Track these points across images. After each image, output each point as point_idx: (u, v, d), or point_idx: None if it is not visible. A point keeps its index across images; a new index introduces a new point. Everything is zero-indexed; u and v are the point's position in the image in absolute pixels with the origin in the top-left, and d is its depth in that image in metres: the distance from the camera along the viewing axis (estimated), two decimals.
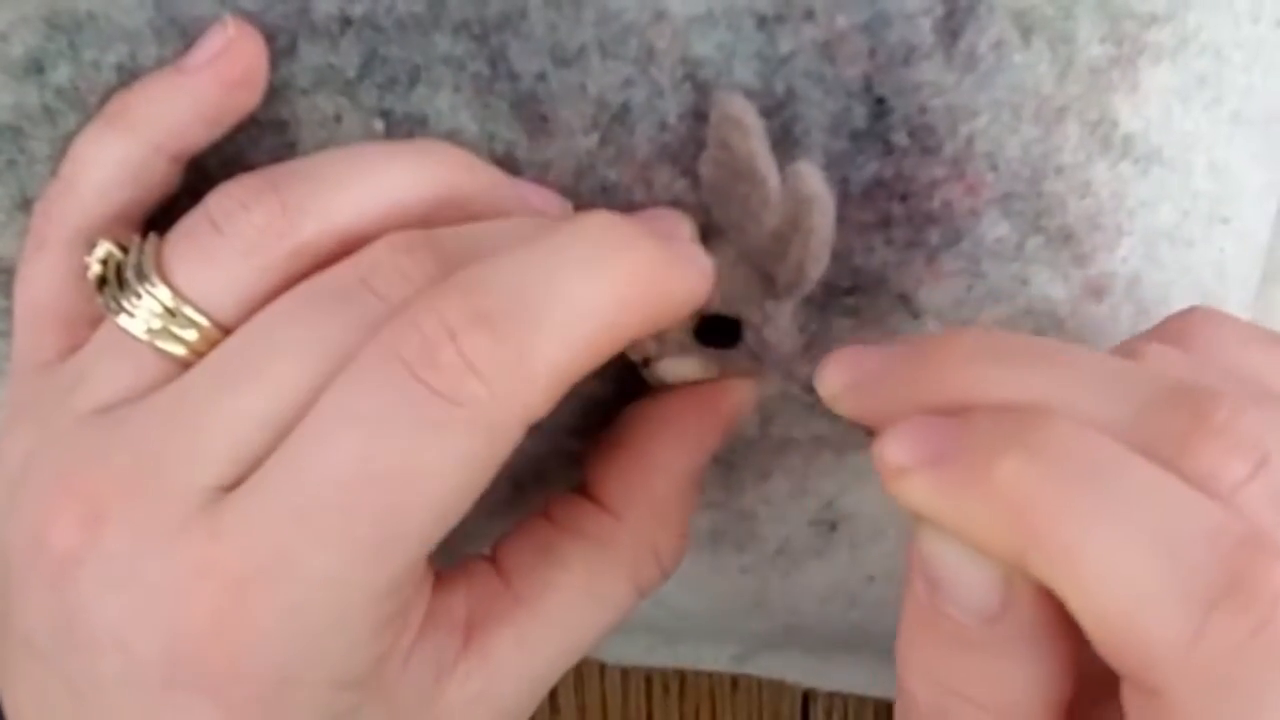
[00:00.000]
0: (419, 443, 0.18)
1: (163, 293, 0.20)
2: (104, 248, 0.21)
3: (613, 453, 0.23)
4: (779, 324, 0.23)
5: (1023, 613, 0.17)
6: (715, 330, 0.23)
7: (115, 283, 0.21)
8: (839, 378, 0.20)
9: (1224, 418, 0.17)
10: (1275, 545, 0.16)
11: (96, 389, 0.20)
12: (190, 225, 0.21)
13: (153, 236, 0.21)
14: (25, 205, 0.24)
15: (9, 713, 0.21)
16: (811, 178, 0.21)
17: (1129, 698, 0.17)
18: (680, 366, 0.23)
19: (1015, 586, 0.17)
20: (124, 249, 0.21)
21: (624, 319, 0.20)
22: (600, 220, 0.20)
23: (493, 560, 0.23)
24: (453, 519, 0.19)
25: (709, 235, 0.23)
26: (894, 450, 0.18)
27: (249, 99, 0.22)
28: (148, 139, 0.22)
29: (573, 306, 0.19)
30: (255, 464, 0.19)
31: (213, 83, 0.22)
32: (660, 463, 0.23)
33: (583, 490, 0.24)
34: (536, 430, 0.25)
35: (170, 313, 0.20)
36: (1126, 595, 0.16)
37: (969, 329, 0.19)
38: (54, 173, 0.23)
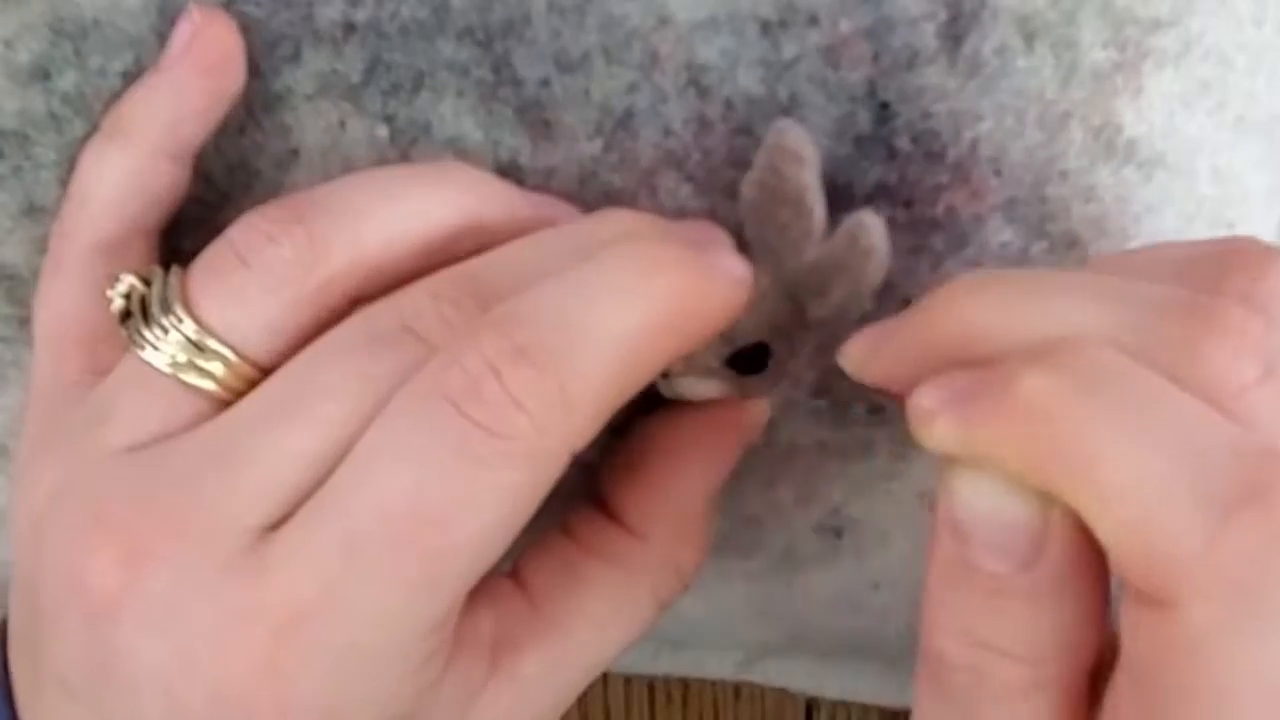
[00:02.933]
0: (466, 477, 0.18)
1: (188, 326, 0.20)
2: (127, 281, 0.21)
3: (633, 473, 0.23)
4: (803, 356, 0.23)
5: (1056, 557, 0.17)
6: (741, 353, 0.23)
7: (140, 315, 0.20)
8: (860, 349, 0.21)
9: (1234, 322, 0.17)
10: None
11: (126, 426, 0.20)
12: (215, 258, 0.21)
13: (175, 269, 0.21)
14: (31, 211, 0.24)
15: None
16: (875, 230, 0.21)
17: (1134, 620, 0.16)
18: (701, 386, 0.23)
19: (1050, 528, 0.17)
20: (146, 282, 0.21)
21: (662, 343, 0.20)
22: (636, 243, 0.20)
23: (515, 578, 0.23)
24: (499, 552, 0.19)
25: (749, 251, 0.23)
26: (923, 398, 0.18)
27: (232, 81, 0.22)
28: (145, 144, 0.22)
29: (611, 335, 0.19)
30: (298, 503, 0.19)
31: (190, 71, 0.22)
32: (681, 483, 0.23)
33: (602, 508, 0.24)
34: None
35: (196, 346, 0.20)
36: (1146, 500, 0.16)
37: (961, 278, 0.19)
38: (60, 179, 0.23)
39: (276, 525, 0.19)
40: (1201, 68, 0.23)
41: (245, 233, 0.21)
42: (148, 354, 0.20)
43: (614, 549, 0.23)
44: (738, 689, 0.34)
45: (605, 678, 0.35)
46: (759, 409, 0.24)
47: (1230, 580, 0.15)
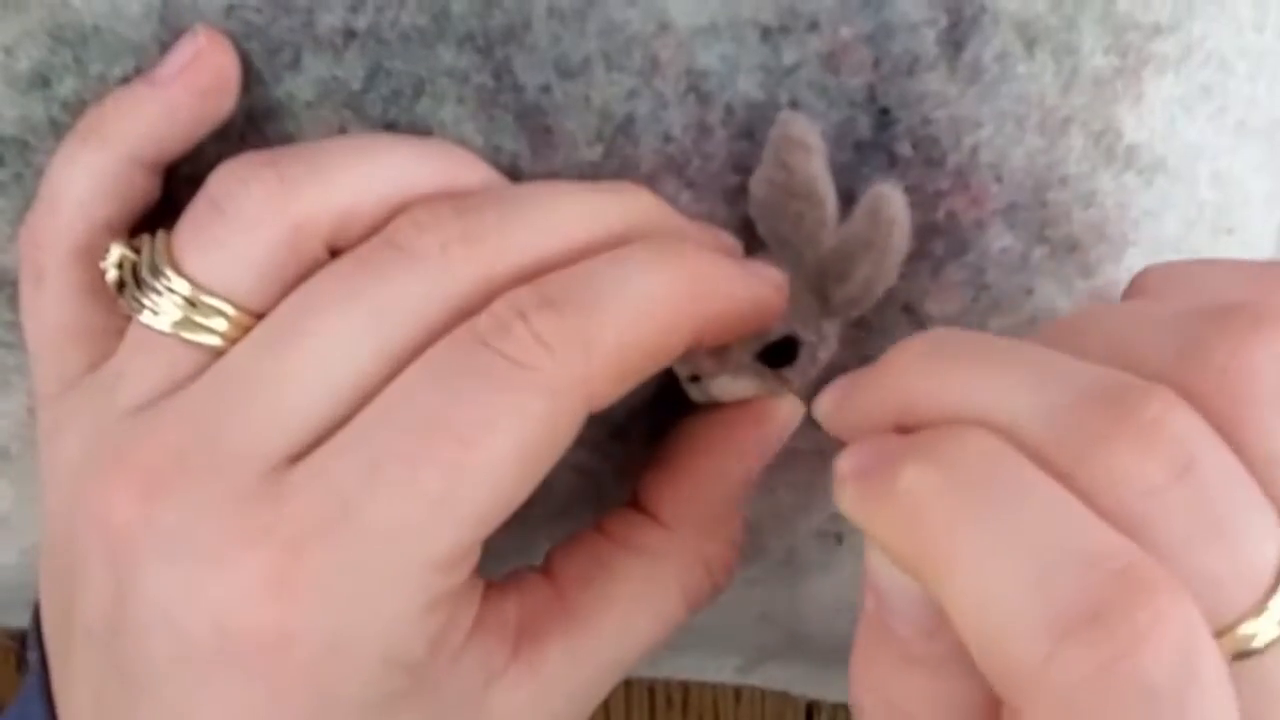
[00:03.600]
0: (488, 398, 0.19)
1: (179, 284, 0.20)
2: (117, 251, 0.21)
3: (665, 466, 0.24)
4: (832, 343, 0.23)
5: (950, 628, 0.17)
6: (770, 348, 0.23)
7: (133, 283, 0.21)
8: (828, 401, 0.21)
9: (1151, 416, 0.16)
10: (1158, 576, 0.15)
11: (136, 385, 0.21)
12: (194, 212, 0.21)
13: (161, 232, 0.21)
14: None
15: (63, 713, 0.21)
16: (895, 200, 0.21)
17: (1005, 717, 0.16)
18: (734, 385, 0.23)
19: None
20: (136, 250, 0.21)
21: (686, 316, 0.20)
22: (667, 237, 0.21)
23: (546, 571, 0.23)
24: (511, 498, 0.19)
25: (755, 253, 0.23)
26: (840, 462, 0.19)
27: (222, 106, 0.22)
28: (123, 151, 0.22)
29: (636, 297, 0.20)
30: (317, 430, 0.19)
31: (184, 92, 0.22)
32: (712, 477, 0.23)
33: (634, 504, 0.24)
34: None
35: (190, 302, 0.20)
36: (993, 615, 0.16)
37: (918, 337, 0.20)
38: None
39: (299, 458, 0.19)
40: (1202, 73, 0.23)
41: (221, 180, 0.21)
42: (147, 318, 0.21)
43: (642, 540, 0.23)
44: (738, 692, 0.34)
45: None
46: (791, 405, 0.24)
47: (1061, 702, 0.15)
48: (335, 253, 0.21)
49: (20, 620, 0.25)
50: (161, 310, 0.20)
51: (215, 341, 0.20)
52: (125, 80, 0.22)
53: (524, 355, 0.19)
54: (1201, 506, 0.16)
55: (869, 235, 0.22)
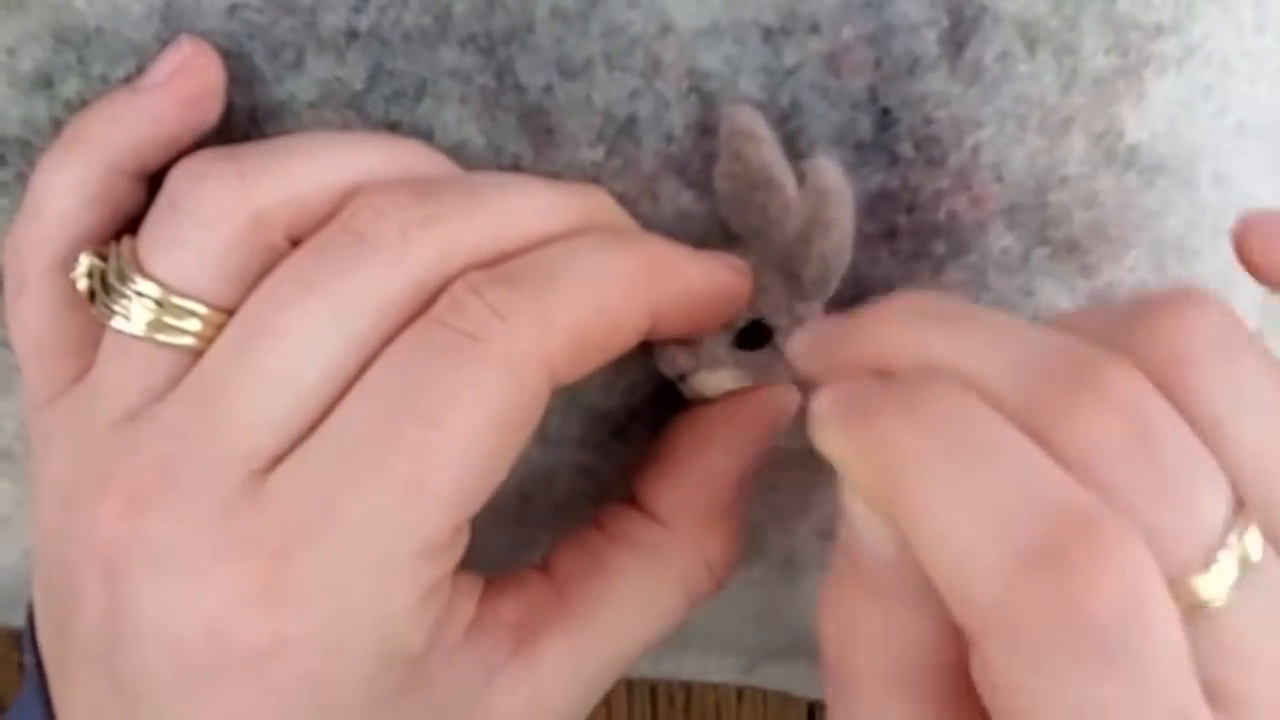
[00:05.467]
0: (449, 375, 0.19)
1: (147, 286, 0.20)
2: (85, 261, 0.21)
3: (662, 462, 0.24)
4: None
5: (913, 564, 0.18)
6: (748, 339, 0.23)
7: (103, 291, 0.21)
8: (802, 341, 0.21)
9: (1112, 381, 0.17)
10: (1113, 523, 0.16)
11: (116, 396, 0.21)
12: (155, 213, 0.21)
13: (127, 238, 0.21)
14: None
15: None
16: (829, 171, 0.22)
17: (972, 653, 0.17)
18: (716, 379, 0.24)
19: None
20: (104, 257, 0.21)
21: (641, 294, 0.21)
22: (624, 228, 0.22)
23: (544, 570, 0.23)
24: (487, 474, 0.19)
25: (731, 245, 0.23)
26: (818, 400, 0.19)
27: (207, 116, 0.22)
28: (107, 161, 0.22)
29: (591, 272, 0.20)
30: (292, 431, 0.19)
31: (169, 101, 0.22)
32: (710, 471, 0.23)
33: (632, 501, 0.24)
34: (543, 441, 0.25)
35: (160, 304, 0.20)
36: (957, 551, 0.17)
37: (908, 293, 0.20)
38: None
39: (279, 460, 0.19)
40: (1203, 73, 0.23)
41: (177, 180, 0.21)
42: (119, 323, 0.20)
43: (640, 537, 0.23)
44: (740, 693, 0.34)
45: None
46: (783, 395, 0.24)
47: (1016, 632, 0.16)
48: (296, 243, 0.21)
49: (20, 620, 0.25)
50: (133, 315, 0.20)
51: (189, 342, 0.20)
52: (128, 81, 0.22)
53: (478, 328, 0.19)
54: (1155, 465, 0.17)
55: (815, 211, 0.22)
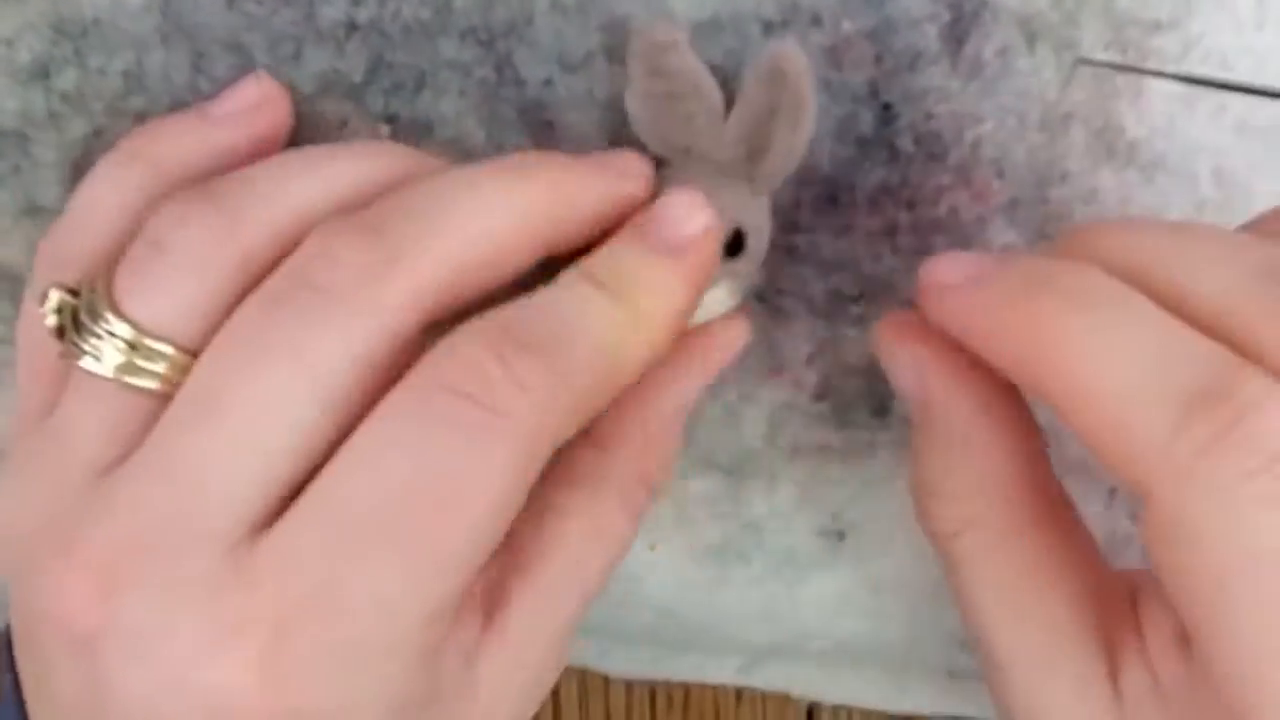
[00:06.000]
0: (458, 455, 0.18)
1: (120, 328, 0.19)
2: (55, 297, 0.20)
3: None
4: (768, 217, 0.23)
5: (938, 413, 0.20)
6: (730, 248, 0.23)
7: (72, 328, 0.20)
8: (947, 268, 0.21)
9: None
10: (1260, 370, 0.17)
11: (82, 445, 0.20)
12: (134, 253, 0.20)
13: (102, 274, 0.20)
14: (30, 211, 0.24)
15: None
16: (793, 55, 0.21)
17: (1138, 512, 0.18)
18: (713, 298, 0.22)
19: (929, 391, 0.21)
20: (75, 293, 0.20)
21: (533, 233, 0.20)
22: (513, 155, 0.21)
23: None
24: (495, 537, 0.19)
25: (662, 171, 0.22)
26: (944, 269, 0.20)
27: (271, 151, 0.22)
28: (161, 182, 0.21)
29: (476, 205, 0.20)
30: (272, 498, 0.19)
31: (241, 135, 0.22)
32: (655, 397, 0.23)
33: None
34: None
35: (132, 346, 0.19)
36: (1118, 400, 0.17)
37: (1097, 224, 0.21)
38: (60, 179, 0.23)
39: (259, 525, 0.18)
40: (1202, 70, 0.23)
41: (160, 221, 0.20)
42: (88, 363, 0.20)
43: (581, 470, 0.22)
44: (739, 693, 0.34)
45: (606, 682, 0.34)
46: (731, 326, 0.23)
47: (1189, 470, 0.16)
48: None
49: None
50: (104, 356, 0.19)
51: (154, 385, 0.19)
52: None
53: (493, 399, 0.18)
54: None
55: (775, 100, 0.21)
